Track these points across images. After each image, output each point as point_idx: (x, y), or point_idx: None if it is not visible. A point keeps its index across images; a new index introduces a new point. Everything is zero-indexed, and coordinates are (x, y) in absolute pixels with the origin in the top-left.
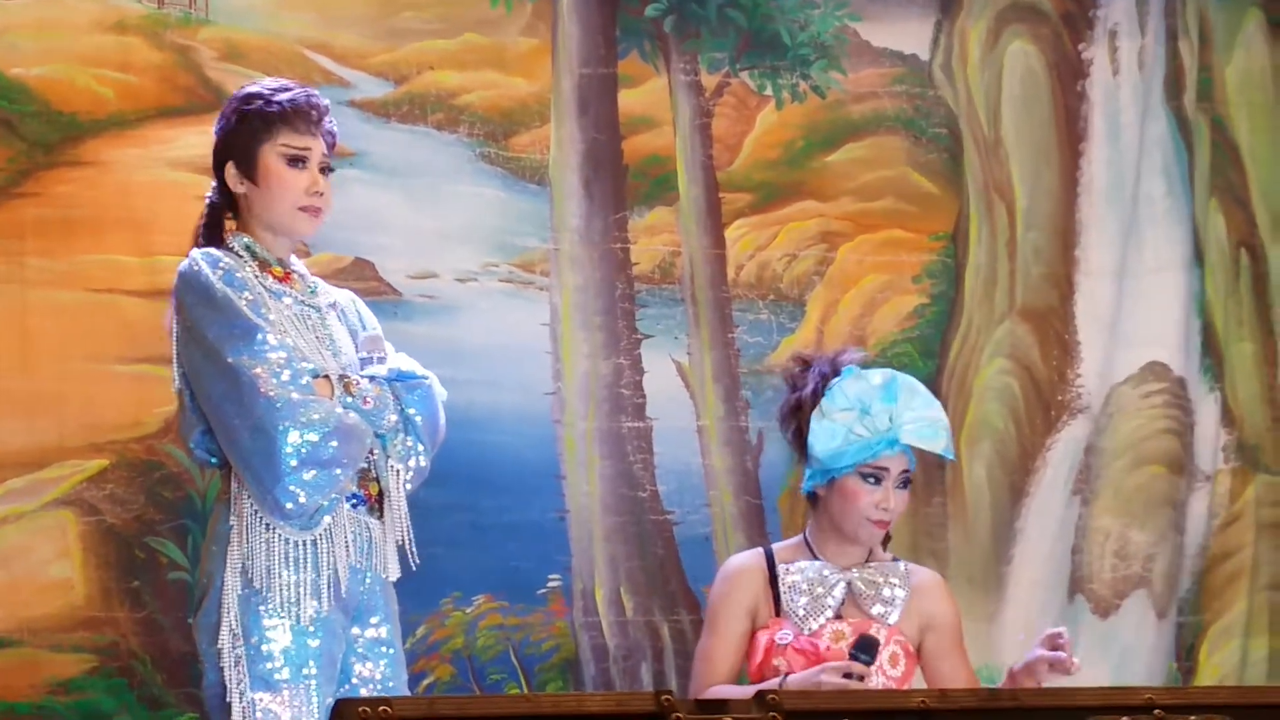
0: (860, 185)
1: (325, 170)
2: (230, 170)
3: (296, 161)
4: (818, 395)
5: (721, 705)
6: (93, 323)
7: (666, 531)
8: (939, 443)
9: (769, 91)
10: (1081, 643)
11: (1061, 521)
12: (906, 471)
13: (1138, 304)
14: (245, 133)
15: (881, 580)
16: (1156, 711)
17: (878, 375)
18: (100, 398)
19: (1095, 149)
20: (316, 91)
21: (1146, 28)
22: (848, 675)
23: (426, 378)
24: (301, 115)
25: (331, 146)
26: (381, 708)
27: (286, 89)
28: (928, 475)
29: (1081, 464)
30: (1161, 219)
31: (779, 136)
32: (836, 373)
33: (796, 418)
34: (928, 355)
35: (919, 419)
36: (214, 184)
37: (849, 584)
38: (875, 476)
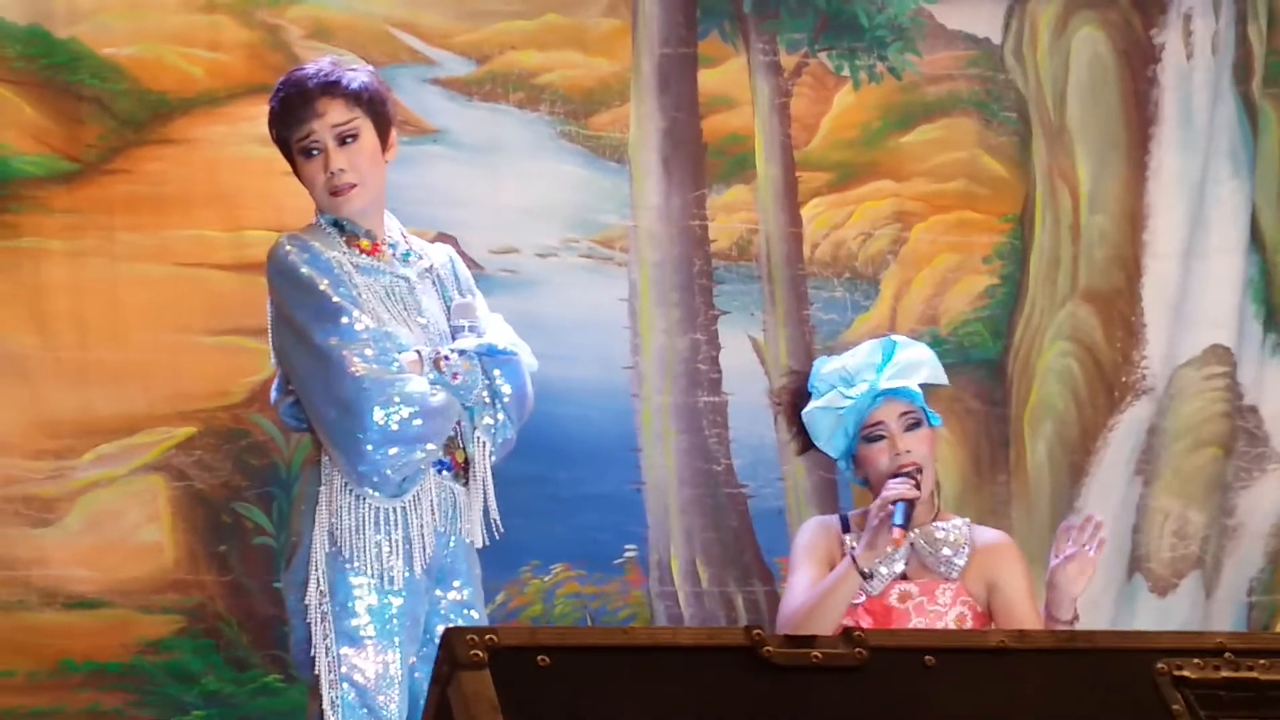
0: (933, 166)
1: (348, 137)
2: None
3: (308, 152)
4: (795, 403)
5: (809, 640)
6: (180, 295)
7: (741, 504)
8: (916, 376)
9: (846, 72)
10: (1138, 621)
11: (1123, 501)
12: (907, 413)
13: (1204, 286)
14: (277, 145)
15: (942, 538)
16: (1226, 654)
17: (859, 347)
18: (188, 368)
19: (1166, 133)
20: (315, 68)
21: (1220, 11)
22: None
23: (516, 352)
24: (291, 108)
25: (360, 102)
26: (488, 636)
27: (277, 89)
28: (993, 454)
29: (1145, 444)
30: (1226, 201)
31: (856, 117)
32: (806, 373)
33: (794, 425)
34: (997, 335)
35: (894, 365)
36: None
37: (912, 544)
38: (876, 435)
